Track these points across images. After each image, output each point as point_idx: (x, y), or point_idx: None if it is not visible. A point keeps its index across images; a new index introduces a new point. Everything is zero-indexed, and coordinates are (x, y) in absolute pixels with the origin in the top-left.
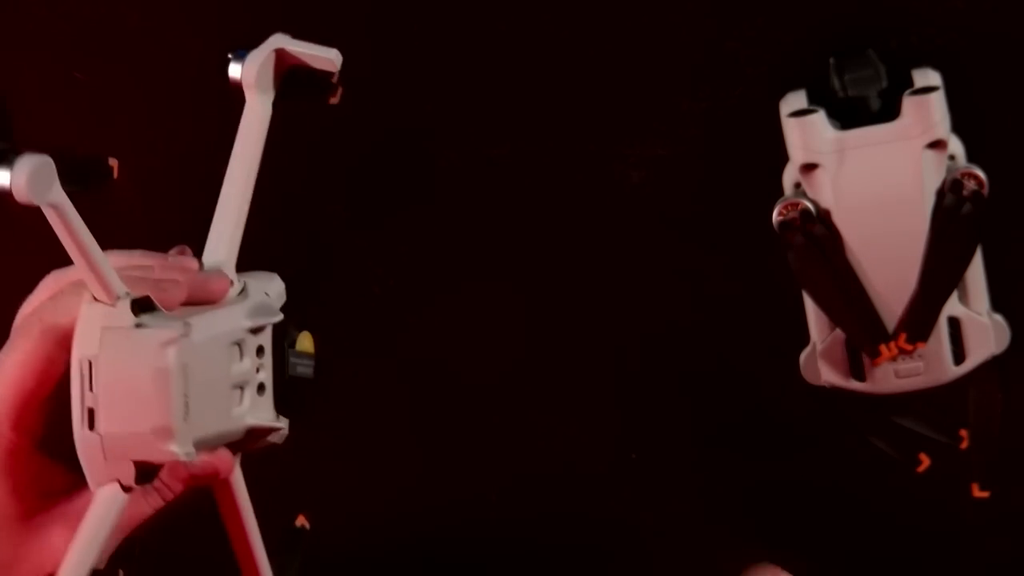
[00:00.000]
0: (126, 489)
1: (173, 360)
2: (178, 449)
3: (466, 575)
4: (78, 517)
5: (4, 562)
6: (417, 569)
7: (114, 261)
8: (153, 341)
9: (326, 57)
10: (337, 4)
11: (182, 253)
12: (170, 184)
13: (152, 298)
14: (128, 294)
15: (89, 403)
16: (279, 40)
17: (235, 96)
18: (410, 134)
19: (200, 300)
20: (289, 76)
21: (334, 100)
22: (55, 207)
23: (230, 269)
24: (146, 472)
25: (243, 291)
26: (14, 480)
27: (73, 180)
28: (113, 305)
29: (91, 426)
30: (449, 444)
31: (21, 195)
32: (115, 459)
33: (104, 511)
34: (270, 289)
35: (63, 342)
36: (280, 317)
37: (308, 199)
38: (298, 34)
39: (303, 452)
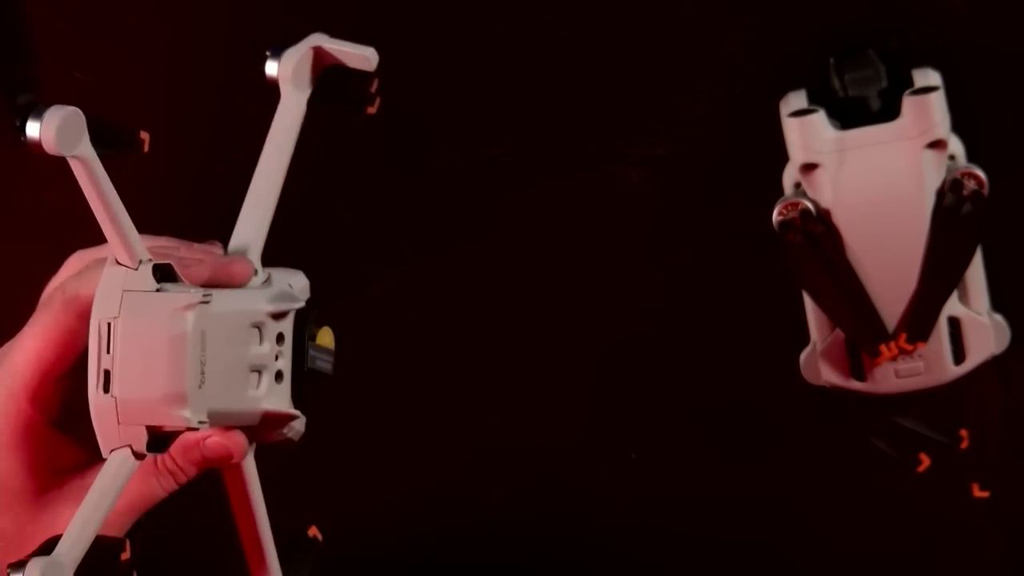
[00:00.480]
0: (138, 456)
1: (191, 324)
2: (191, 416)
3: None
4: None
5: (15, 537)
6: (417, 570)
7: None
8: (173, 305)
9: (363, 55)
10: (336, 4)
11: (211, 244)
12: (170, 184)
13: (175, 269)
14: (151, 260)
15: (106, 365)
16: (316, 38)
17: (271, 92)
18: (410, 134)
19: (223, 283)
20: (326, 79)
21: (372, 110)
22: (82, 161)
23: (255, 258)
24: (159, 440)
25: (267, 280)
26: (28, 455)
27: (102, 143)
28: (135, 269)
29: (106, 389)
30: (449, 445)
31: (51, 146)
32: (128, 424)
33: (114, 474)
34: (294, 282)
35: (85, 315)
36: (302, 304)
37: (308, 199)
38: (298, 34)
39: (300, 452)
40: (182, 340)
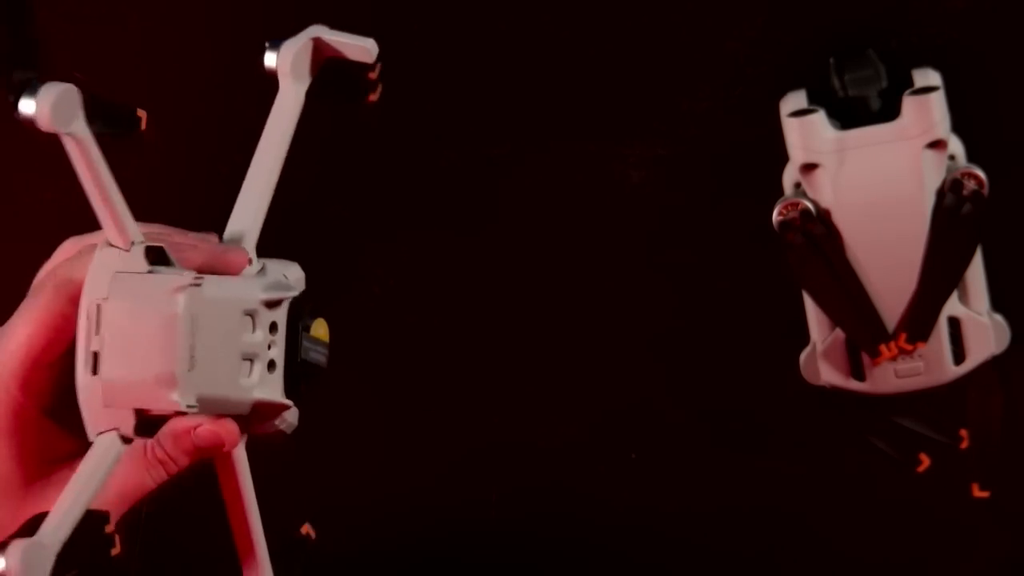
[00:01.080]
0: (125, 440)
1: (182, 306)
2: (180, 399)
3: None
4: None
5: (4, 526)
6: (417, 570)
7: None
8: (164, 286)
9: (362, 46)
10: (336, 4)
11: (206, 234)
12: (170, 183)
13: (168, 253)
14: (143, 241)
15: (94, 346)
16: (315, 30)
17: (272, 92)
18: (410, 134)
19: (217, 270)
20: (326, 72)
21: (373, 98)
22: (77, 139)
23: (251, 248)
24: (147, 424)
25: (262, 270)
26: (18, 443)
27: (98, 120)
28: (127, 251)
29: (94, 370)
30: (448, 445)
31: (45, 122)
32: (116, 406)
33: (100, 457)
34: (289, 273)
35: (77, 300)
36: (296, 293)
37: (308, 199)
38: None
39: (301, 451)
40: (172, 322)
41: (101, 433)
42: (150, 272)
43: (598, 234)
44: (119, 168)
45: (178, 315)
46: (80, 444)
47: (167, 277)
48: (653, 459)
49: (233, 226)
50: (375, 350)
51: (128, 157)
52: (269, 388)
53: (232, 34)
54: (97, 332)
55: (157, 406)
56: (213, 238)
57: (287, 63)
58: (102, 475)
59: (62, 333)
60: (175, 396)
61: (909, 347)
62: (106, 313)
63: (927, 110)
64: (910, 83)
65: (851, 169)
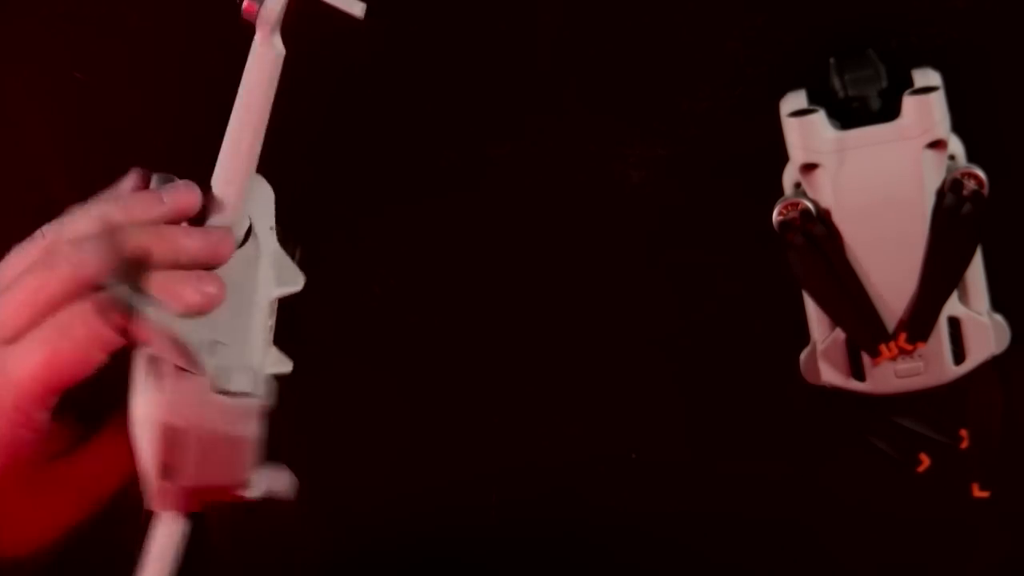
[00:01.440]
0: (188, 517)
1: (256, 430)
2: (251, 493)
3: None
4: (78, 479)
5: (17, 518)
6: (416, 570)
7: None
8: (237, 412)
9: (351, 12)
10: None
11: (187, 185)
12: None
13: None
14: (208, 360)
15: (168, 460)
16: None
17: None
18: (410, 134)
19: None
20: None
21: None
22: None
23: (238, 216)
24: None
25: (251, 236)
26: (18, 452)
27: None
28: (198, 375)
29: (166, 477)
30: (449, 445)
31: None
32: (188, 501)
33: (168, 537)
34: (268, 215)
35: (105, 348)
36: (302, 284)
37: (308, 198)
38: (299, 37)
39: (301, 451)
40: (249, 444)
41: (165, 511)
42: (221, 392)
43: (598, 234)
44: (119, 170)
45: (253, 439)
46: (75, 436)
47: (238, 402)
48: (653, 459)
49: (218, 186)
50: (376, 350)
51: (128, 157)
52: (271, 358)
53: (232, 34)
54: (173, 450)
55: (227, 499)
56: (192, 190)
57: (274, 14)
58: (173, 551)
59: (84, 369)
60: (246, 492)
61: (909, 347)
62: (186, 439)
63: (927, 110)
64: (910, 83)
65: (851, 169)
